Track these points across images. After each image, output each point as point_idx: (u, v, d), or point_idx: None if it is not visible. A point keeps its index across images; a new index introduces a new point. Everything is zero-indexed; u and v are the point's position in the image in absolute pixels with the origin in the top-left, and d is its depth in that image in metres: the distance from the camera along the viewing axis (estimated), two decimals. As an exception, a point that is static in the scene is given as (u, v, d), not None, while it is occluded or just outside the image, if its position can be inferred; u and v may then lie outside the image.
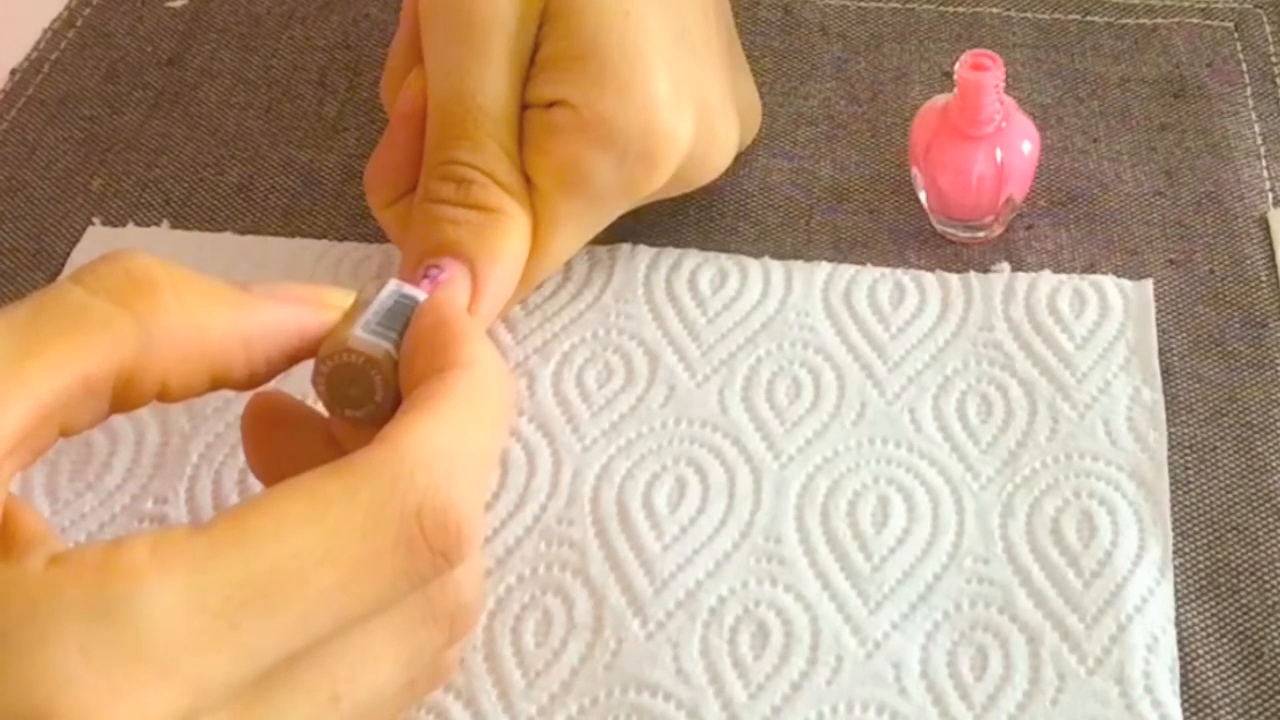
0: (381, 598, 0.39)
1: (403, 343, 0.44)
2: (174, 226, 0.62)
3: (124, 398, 0.41)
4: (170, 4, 0.73)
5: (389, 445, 0.39)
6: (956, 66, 0.56)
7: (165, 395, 0.42)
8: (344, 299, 0.46)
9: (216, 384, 0.43)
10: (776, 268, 0.59)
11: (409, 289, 0.46)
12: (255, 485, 0.50)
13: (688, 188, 0.56)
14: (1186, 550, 0.51)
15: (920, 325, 0.57)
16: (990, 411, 0.54)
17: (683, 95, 0.53)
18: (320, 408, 0.46)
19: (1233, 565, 0.50)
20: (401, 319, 0.45)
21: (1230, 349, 0.56)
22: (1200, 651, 0.48)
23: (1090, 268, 0.59)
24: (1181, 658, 0.48)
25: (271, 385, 0.46)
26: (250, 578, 0.36)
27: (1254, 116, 0.65)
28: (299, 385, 0.47)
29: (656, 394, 0.55)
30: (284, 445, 0.46)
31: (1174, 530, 0.51)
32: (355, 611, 0.38)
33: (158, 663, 0.35)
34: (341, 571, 0.38)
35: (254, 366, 0.44)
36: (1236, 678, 0.48)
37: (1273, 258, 0.59)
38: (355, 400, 0.44)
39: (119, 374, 0.40)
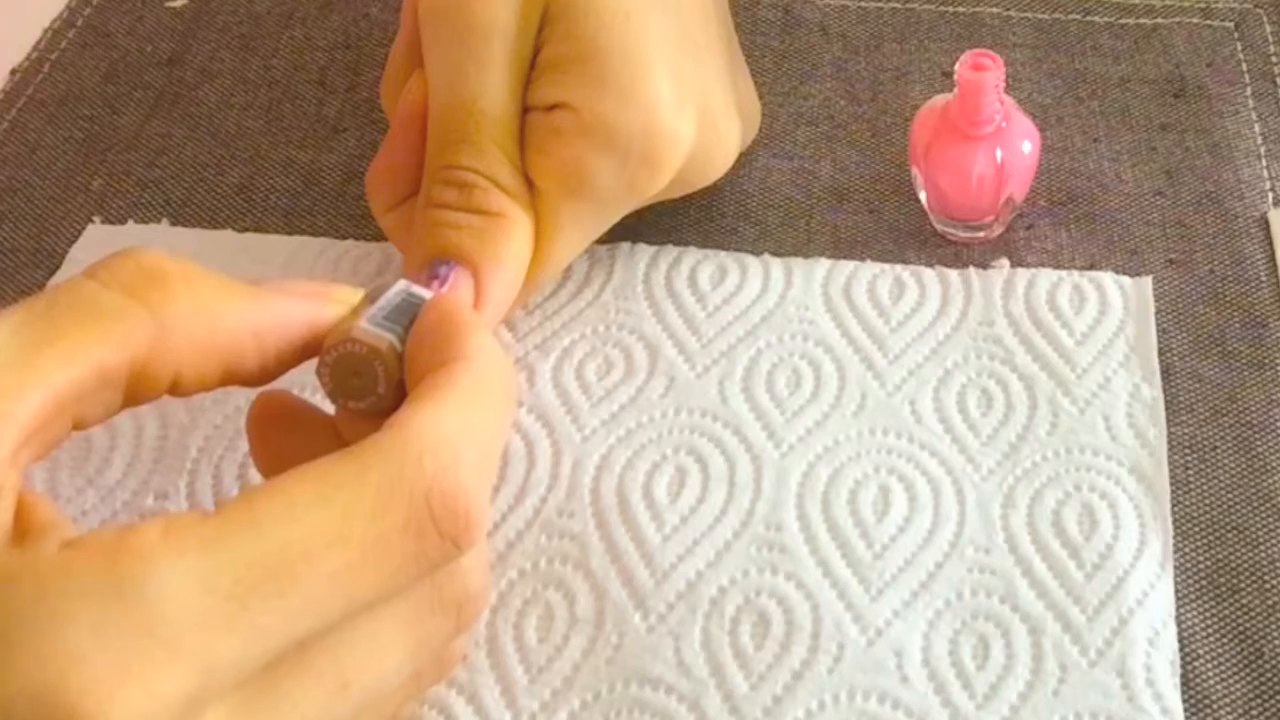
0: (391, 581, 0.39)
1: (408, 337, 0.45)
2: (174, 225, 0.62)
3: (137, 389, 0.41)
4: (170, 4, 0.73)
5: (397, 431, 0.40)
6: (956, 66, 0.56)
7: (178, 387, 0.42)
8: (352, 295, 0.46)
9: (228, 377, 0.43)
10: (776, 264, 0.59)
11: (416, 288, 0.46)
12: (256, 478, 0.50)
13: (690, 189, 0.57)
14: (1186, 550, 0.51)
15: (920, 319, 0.57)
16: (990, 405, 0.54)
17: (684, 97, 0.53)
18: (325, 405, 0.46)
19: (1233, 565, 0.50)
20: (407, 315, 0.45)
21: (1230, 349, 0.56)
22: (1200, 651, 0.48)
23: (1090, 267, 0.59)
24: (1182, 658, 0.48)
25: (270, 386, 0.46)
26: (260, 559, 0.37)
27: (1254, 116, 0.65)
28: (295, 381, 0.47)
29: (656, 385, 0.55)
30: (290, 444, 0.46)
31: (1174, 530, 0.51)
32: (365, 595, 0.39)
33: (168, 643, 0.35)
34: (351, 554, 0.38)
35: (265, 360, 0.44)
36: (1236, 678, 0.48)
37: (1273, 258, 0.59)
38: (358, 391, 0.45)
39: (133, 365, 0.41)
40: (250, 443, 0.47)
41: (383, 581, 0.39)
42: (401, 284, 0.46)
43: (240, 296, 0.43)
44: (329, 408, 0.46)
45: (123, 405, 0.42)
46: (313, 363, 0.45)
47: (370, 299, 0.46)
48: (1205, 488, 0.52)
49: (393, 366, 0.44)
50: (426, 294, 0.46)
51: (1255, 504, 0.52)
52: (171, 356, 0.41)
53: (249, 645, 0.37)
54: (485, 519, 0.41)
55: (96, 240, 0.62)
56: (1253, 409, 0.55)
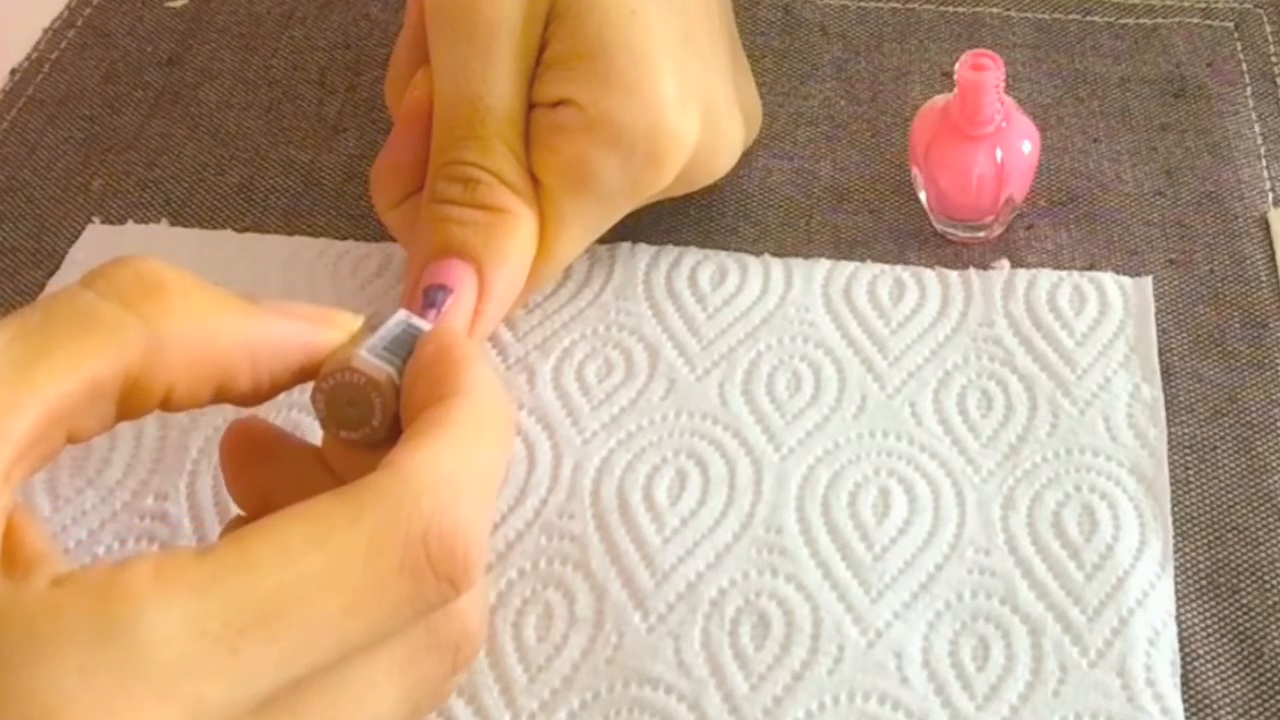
0: (385, 624, 0.39)
1: (405, 370, 0.44)
2: (173, 225, 0.62)
3: (130, 402, 0.41)
4: (170, 4, 0.73)
5: (394, 470, 0.39)
6: (956, 66, 0.56)
7: (169, 403, 0.42)
8: (352, 322, 0.45)
9: (220, 395, 0.43)
10: (776, 264, 0.59)
11: (416, 320, 0.46)
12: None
13: (693, 187, 0.57)
14: (1186, 550, 0.51)
15: (920, 320, 0.57)
16: (990, 406, 0.54)
17: (689, 95, 0.53)
18: (301, 432, 0.46)
19: (1233, 565, 0.50)
20: (406, 347, 0.45)
21: (1230, 349, 0.56)
22: (1200, 651, 0.48)
23: (1090, 268, 0.59)
24: (1182, 657, 0.48)
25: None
26: (252, 602, 0.36)
27: (1254, 116, 0.65)
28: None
29: (657, 387, 0.55)
30: (271, 475, 0.46)
31: (1174, 530, 0.51)
32: (358, 638, 0.38)
33: (156, 686, 0.35)
34: (344, 597, 0.37)
35: (258, 380, 0.43)
36: (1236, 678, 0.48)
37: (1273, 258, 0.59)
38: (352, 421, 0.44)
39: (126, 377, 0.40)
40: (225, 473, 0.47)
41: (377, 624, 0.38)
42: (402, 314, 0.46)
43: (238, 313, 0.43)
44: (304, 427, 0.46)
45: (117, 418, 0.41)
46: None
47: (370, 327, 0.45)
48: (1205, 488, 0.52)
49: (390, 399, 0.44)
50: (427, 326, 0.46)
51: (1255, 504, 0.52)
52: (164, 370, 0.41)
53: (239, 689, 0.36)
54: (484, 559, 0.40)
55: (96, 240, 0.62)
56: (1253, 409, 0.55)
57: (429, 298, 0.51)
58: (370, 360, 0.44)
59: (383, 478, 0.39)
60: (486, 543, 0.42)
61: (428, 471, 0.39)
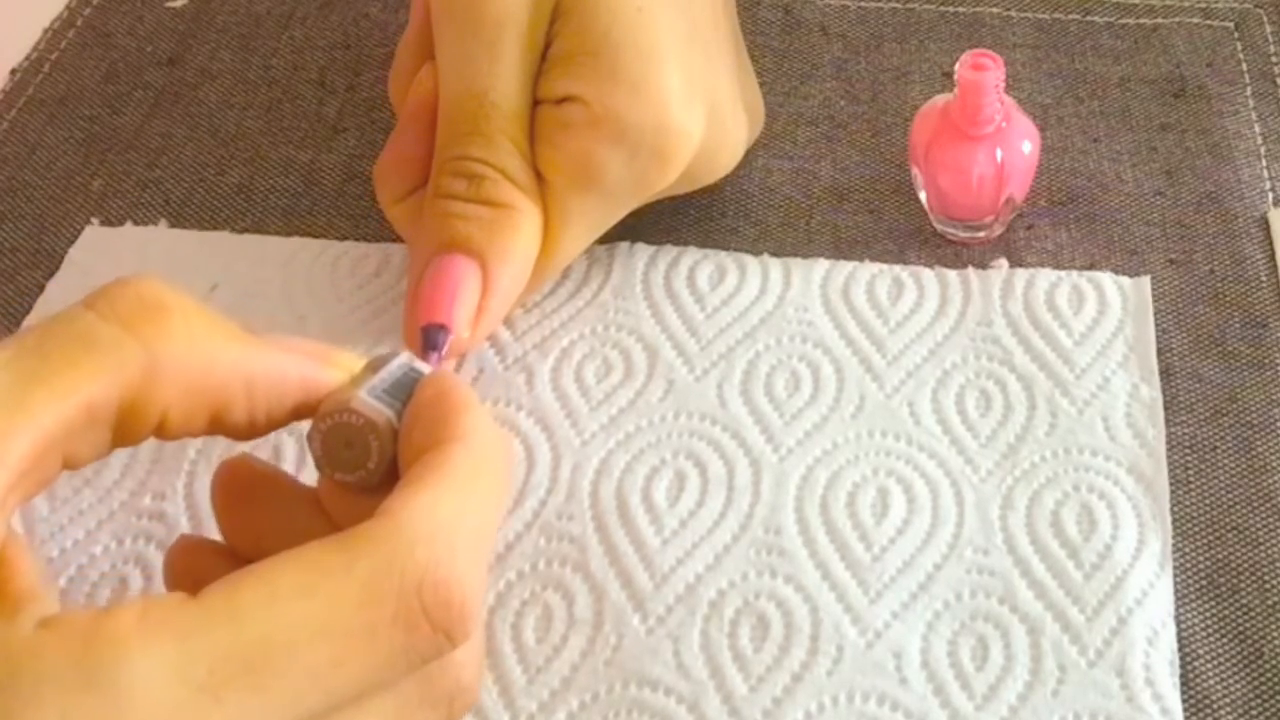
0: (377, 676, 0.38)
1: (404, 415, 0.43)
2: (173, 226, 0.62)
3: (126, 427, 0.40)
4: (170, 4, 0.73)
5: (388, 518, 0.38)
6: (956, 66, 0.56)
7: (164, 429, 0.41)
8: (354, 362, 0.45)
9: (215, 425, 0.42)
10: (774, 264, 0.59)
11: (419, 364, 0.45)
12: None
13: (696, 185, 0.57)
14: (1186, 550, 0.51)
15: (918, 320, 0.57)
16: (989, 406, 0.54)
17: (694, 92, 0.53)
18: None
19: (1233, 565, 0.50)
20: (407, 391, 0.44)
21: (1230, 349, 0.56)
22: (1200, 651, 0.48)
23: (1090, 267, 0.59)
24: (1181, 657, 0.48)
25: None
26: (239, 650, 0.35)
27: (1254, 116, 0.65)
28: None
29: (655, 388, 0.55)
30: (263, 514, 0.45)
31: (1174, 530, 0.51)
32: (349, 690, 0.37)
33: None
34: (335, 647, 0.36)
35: (254, 413, 0.42)
36: (1236, 678, 0.48)
37: (1273, 258, 0.59)
38: (348, 463, 0.43)
39: (122, 401, 0.39)
40: (216, 510, 0.45)
41: (368, 676, 0.37)
42: (404, 356, 0.45)
43: (237, 342, 0.42)
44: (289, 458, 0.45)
45: (113, 444, 0.40)
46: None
47: (372, 368, 0.44)
48: (1205, 488, 0.52)
49: (388, 443, 0.43)
50: (427, 369, 0.45)
51: (1255, 504, 0.52)
52: (161, 395, 0.40)
53: None
54: (480, 609, 0.39)
55: (95, 241, 0.62)
56: (1253, 409, 0.55)
57: (429, 339, 0.51)
58: (369, 402, 0.43)
59: (377, 525, 0.38)
60: (483, 594, 0.40)
61: (423, 520, 0.38)
